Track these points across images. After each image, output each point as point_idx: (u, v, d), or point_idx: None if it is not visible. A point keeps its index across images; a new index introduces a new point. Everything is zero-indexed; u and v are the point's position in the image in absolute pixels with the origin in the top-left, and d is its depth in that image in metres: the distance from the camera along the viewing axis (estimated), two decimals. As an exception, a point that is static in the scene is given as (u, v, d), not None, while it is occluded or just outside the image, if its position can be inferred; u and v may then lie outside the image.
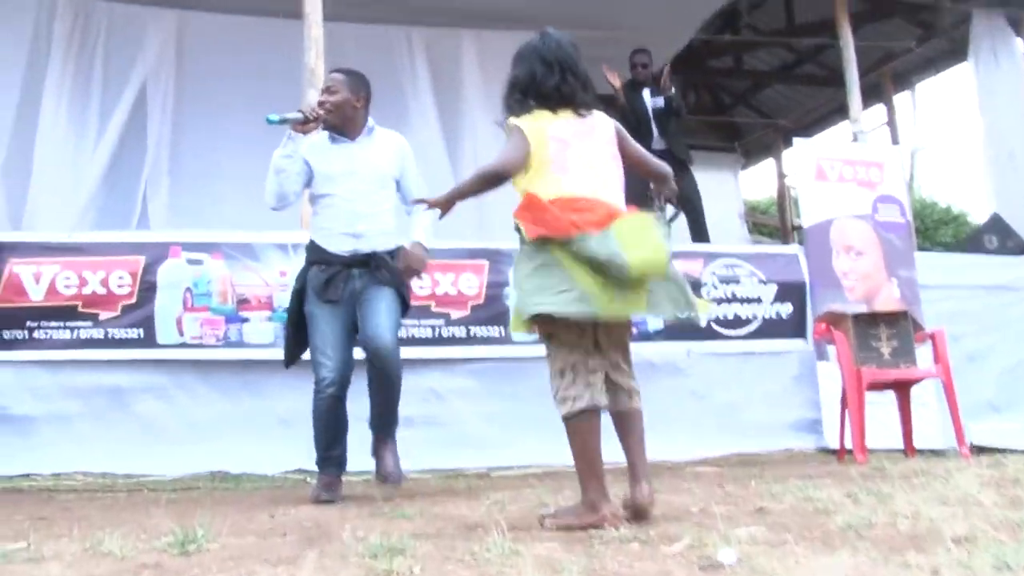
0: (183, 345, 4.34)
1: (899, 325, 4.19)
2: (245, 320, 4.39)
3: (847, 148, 5.70)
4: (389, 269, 3.30)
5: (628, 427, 2.38)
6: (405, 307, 3.41)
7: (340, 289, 3.26)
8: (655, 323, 4.95)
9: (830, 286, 5.24)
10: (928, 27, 7.28)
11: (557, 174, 2.35)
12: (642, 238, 2.24)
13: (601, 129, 2.49)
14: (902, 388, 4.26)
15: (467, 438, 4.58)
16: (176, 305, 4.33)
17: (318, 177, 3.38)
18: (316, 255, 3.35)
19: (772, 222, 11.03)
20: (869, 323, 4.19)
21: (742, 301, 5.15)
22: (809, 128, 9.47)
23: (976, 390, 5.24)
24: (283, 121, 3.24)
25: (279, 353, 4.36)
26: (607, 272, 2.18)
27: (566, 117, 2.43)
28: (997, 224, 5.98)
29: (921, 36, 7.37)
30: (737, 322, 5.12)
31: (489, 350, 4.66)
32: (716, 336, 5.08)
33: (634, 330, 2.59)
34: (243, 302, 4.40)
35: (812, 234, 5.39)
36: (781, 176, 9.82)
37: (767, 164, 10.61)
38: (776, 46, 8.17)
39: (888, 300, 5.20)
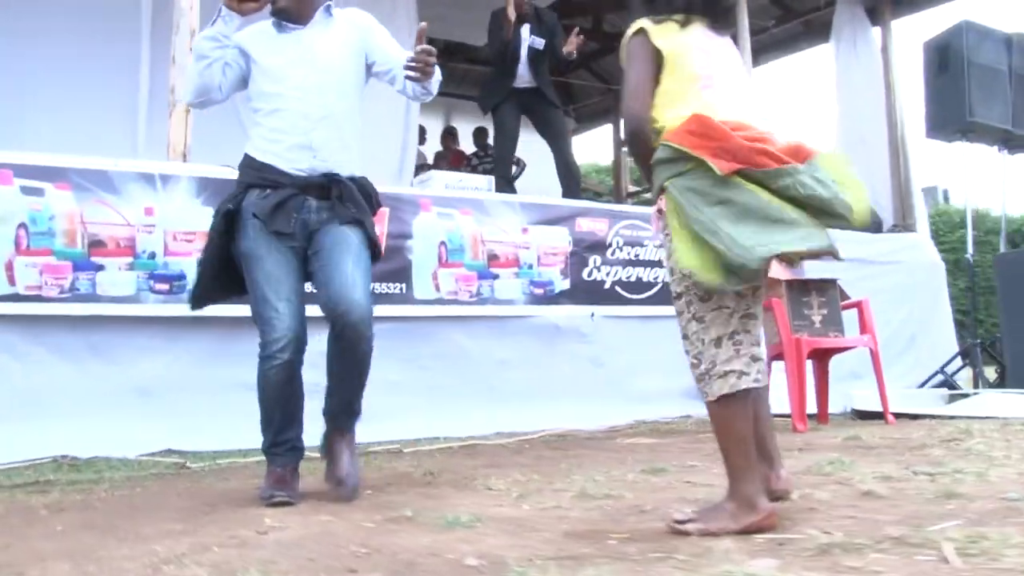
0: (15, 297, 3.44)
1: (828, 294, 4.12)
2: (99, 268, 3.56)
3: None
4: (355, 202, 2.60)
5: (760, 403, 1.98)
6: (375, 257, 2.68)
7: (292, 219, 2.53)
8: (562, 285, 4.64)
9: (724, 253, 5.15)
10: (787, 9, 7.45)
11: (706, 93, 1.91)
12: (849, 176, 1.84)
13: (734, 49, 2.08)
14: (823, 356, 4.21)
15: (368, 409, 4.01)
16: (6, 246, 3.43)
17: (260, 74, 2.62)
18: (256, 175, 2.58)
19: (599, 188, 11.08)
20: (801, 291, 4.08)
21: (645, 264, 4.96)
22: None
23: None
24: None
25: (143, 308, 3.64)
26: (828, 212, 1.78)
27: (699, 28, 2.00)
28: (858, 201, 6.17)
29: (780, 17, 7.53)
30: (640, 285, 4.92)
31: (390, 309, 4.10)
32: (619, 300, 4.85)
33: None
34: (96, 245, 3.56)
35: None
36: (619, 144, 9.82)
37: (604, 129, 10.63)
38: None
39: (776, 271, 5.18)
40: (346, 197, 2.58)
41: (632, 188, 9.90)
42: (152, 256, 3.59)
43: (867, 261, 5.84)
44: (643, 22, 1.95)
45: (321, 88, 2.61)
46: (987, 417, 4.14)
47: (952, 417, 4.32)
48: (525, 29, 5.62)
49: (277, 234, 2.51)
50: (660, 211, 1.90)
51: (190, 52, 2.61)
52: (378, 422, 3.53)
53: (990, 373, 5.67)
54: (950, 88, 5.51)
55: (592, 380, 4.65)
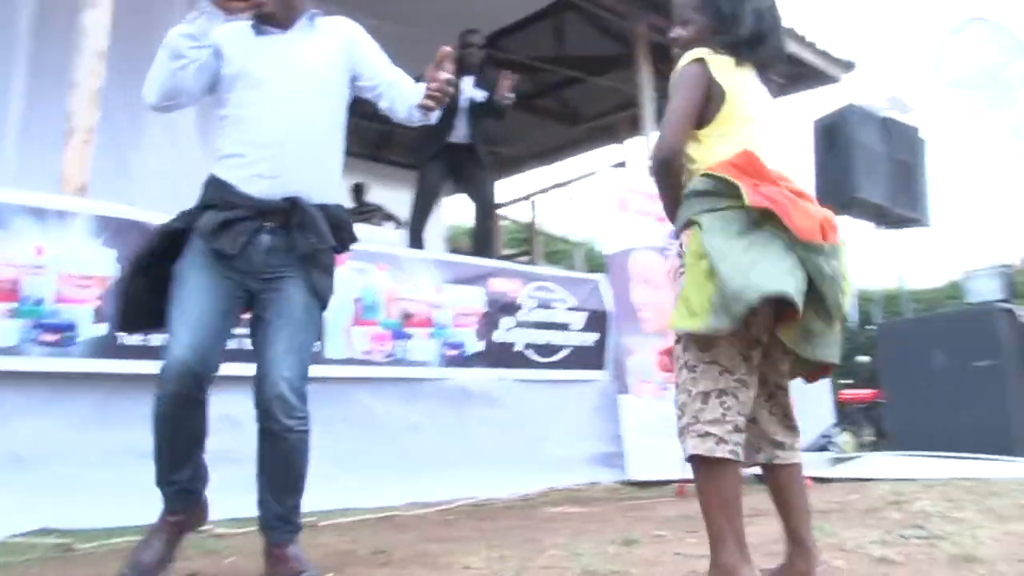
0: None
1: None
2: (-26, 313, 3.09)
3: (648, 182, 5.70)
4: (317, 233, 2.30)
5: (793, 482, 1.88)
6: (324, 306, 2.40)
7: (240, 242, 2.23)
8: (475, 347, 4.48)
9: (628, 317, 5.17)
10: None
11: (757, 138, 1.84)
12: (849, 274, 1.80)
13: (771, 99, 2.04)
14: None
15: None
16: None
17: (233, 78, 2.33)
18: (214, 193, 2.29)
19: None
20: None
21: (555, 327, 4.88)
22: (526, 162, 9.63)
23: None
24: None
25: (25, 362, 3.18)
26: (825, 306, 1.72)
27: (749, 70, 1.94)
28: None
29: (664, 90, 7.75)
30: (549, 349, 4.83)
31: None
32: (529, 363, 4.73)
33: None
34: (-28, 287, 3.09)
35: (612, 263, 5.29)
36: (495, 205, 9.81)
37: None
38: (531, 70, 8.10)
39: (679, 335, 5.24)
40: (307, 226, 2.29)
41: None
42: (39, 302, 3.15)
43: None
44: (703, 52, 1.88)
45: (299, 98, 2.35)
46: (876, 479, 4.29)
47: (848, 480, 4.46)
48: (468, 81, 5.39)
49: (219, 256, 2.21)
50: (681, 246, 1.82)
51: (165, 48, 2.26)
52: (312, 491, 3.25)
53: (868, 436, 5.95)
54: (837, 165, 5.83)
55: (503, 446, 4.49)
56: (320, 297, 2.37)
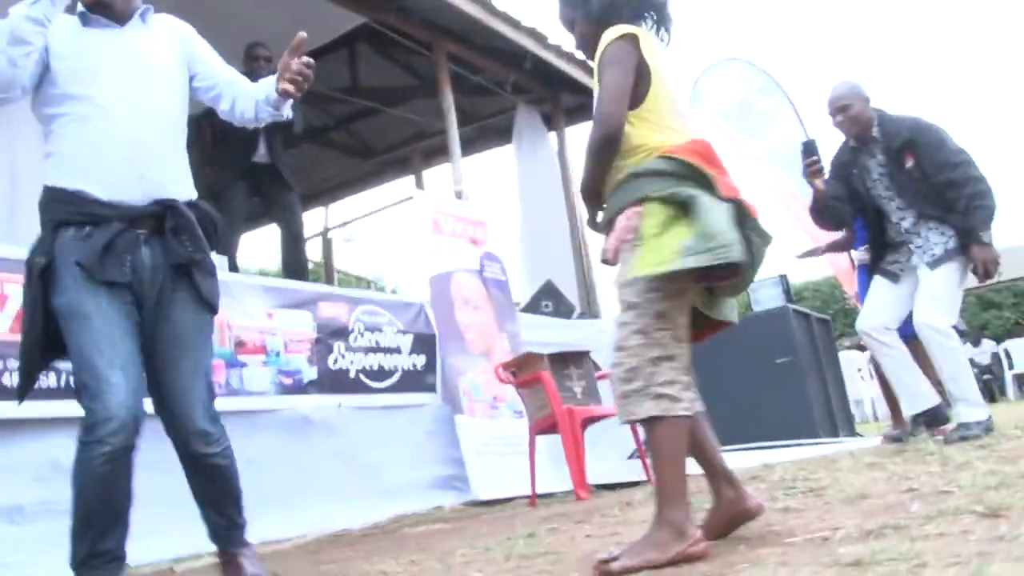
0: None
1: (584, 366, 4.31)
2: None
3: (457, 205, 5.78)
4: (193, 236, 2.16)
5: (705, 428, 1.97)
6: (214, 310, 2.27)
7: (126, 264, 2.05)
8: (310, 374, 4.30)
9: (454, 338, 5.18)
10: (467, 113, 7.91)
11: (681, 120, 1.89)
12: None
13: None
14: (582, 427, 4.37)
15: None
16: None
17: (64, 73, 2.10)
18: (69, 209, 2.04)
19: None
20: (562, 364, 4.22)
21: (385, 351, 4.78)
22: (317, 198, 9.44)
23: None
24: None
25: None
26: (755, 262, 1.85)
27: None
28: (550, 290, 6.63)
29: (461, 119, 7.94)
30: (381, 373, 4.72)
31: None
32: (364, 388, 4.60)
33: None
34: None
35: (434, 285, 5.28)
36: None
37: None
38: (323, 101, 7.94)
39: (503, 353, 5.33)
40: (180, 230, 2.14)
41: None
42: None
43: (566, 345, 6.25)
44: (631, 27, 1.94)
45: (148, 93, 2.18)
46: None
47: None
48: None
49: (107, 284, 2.01)
50: (628, 218, 1.87)
51: (1, 33, 1.99)
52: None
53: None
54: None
55: (345, 476, 4.31)
56: (209, 305, 2.24)
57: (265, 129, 5.11)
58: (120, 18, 2.22)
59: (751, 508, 1.91)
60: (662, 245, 1.79)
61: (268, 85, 2.29)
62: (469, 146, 8.29)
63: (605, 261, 2.00)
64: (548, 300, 6.62)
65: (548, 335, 6.10)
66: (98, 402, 1.94)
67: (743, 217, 1.84)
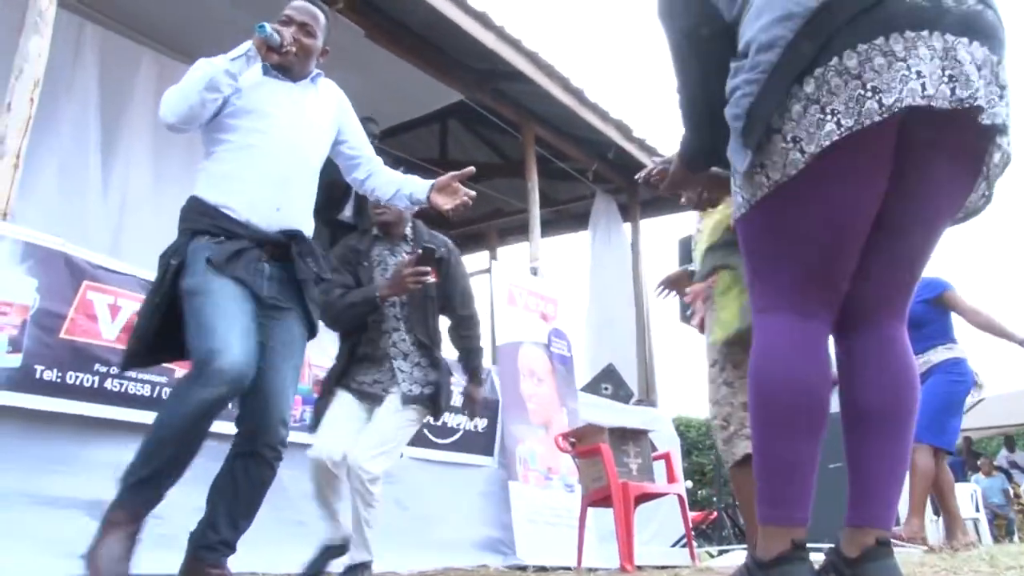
0: None
1: (642, 444, 4.39)
2: None
3: (533, 280, 5.98)
4: (316, 259, 2.44)
5: None
6: (312, 336, 2.51)
7: (250, 269, 2.29)
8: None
9: (517, 407, 5.31)
10: (546, 195, 8.21)
11: None
12: None
13: None
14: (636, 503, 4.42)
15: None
16: None
17: (242, 107, 2.40)
18: (207, 221, 2.30)
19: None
20: (621, 439, 4.31)
21: (451, 410, 4.89)
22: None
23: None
24: (264, 35, 2.35)
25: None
26: None
27: None
28: (611, 374, 6.75)
29: (541, 201, 8.24)
30: (445, 430, 4.86)
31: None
32: (427, 443, 4.73)
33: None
34: None
35: (502, 354, 5.45)
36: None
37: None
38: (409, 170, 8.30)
39: (561, 427, 5.43)
40: (306, 254, 2.42)
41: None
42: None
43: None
44: None
45: (302, 144, 2.50)
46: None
47: None
48: None
49: (232, 279, 2.24)
50: (708, 287, 2.05)
51: (198, 74, 2.34)
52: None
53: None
54: (700, 283, 6.38)
55: (398, 523, 4.41)
56: (312, 329, 2.48)
57: (356, 193, 5.45)
58: (295, 77, 2.54)
59: None
60: (727, 309, 1.96)
61: (417, 185, 2.73)
62: (546, 227, 8.53)
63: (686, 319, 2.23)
64: (608, 383, 6.72)
65: (605, 417, 6.17)
66: (216, 354, 2.08)
67: None
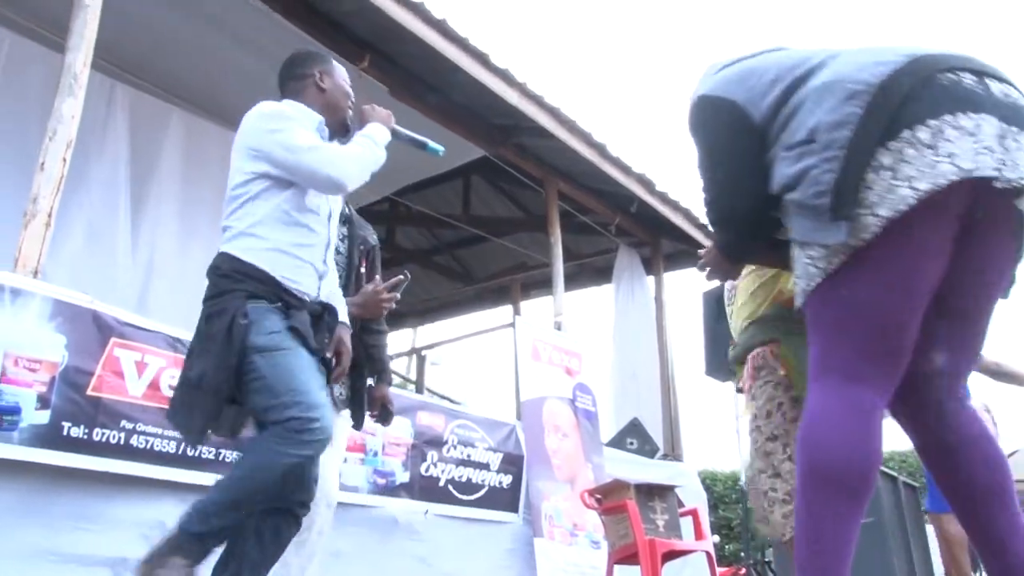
0: None
1: (669, 500, 4.31)
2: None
3: (557, 335, 5.96)
4: (331, 336, 2.48)
5: None
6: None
7: (321, 340, 2.36)
8: (403, 478, 4.42)
9: (542, 462, 5.25)
10: (569, 250, 8.22)
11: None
12: None
13: None
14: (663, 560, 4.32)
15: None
16: None
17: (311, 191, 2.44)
18: (264, 287, 2.27)
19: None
20: (648, 496, 4.23)
21: (475, 466, 4.88)
22: (421, 316, 9.79)
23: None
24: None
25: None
26: None
27: None
28: (636, 429, 6.66)
29: (564, 255, 8.24)
30: (470, 486, 4.81)
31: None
32: (451, 499, 4.68)
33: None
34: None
35: (527, 409, 5.41)
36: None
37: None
38: (430, 225, 8.38)
39: (587, 482, 5.35)
40: (327, 328, 2.44)
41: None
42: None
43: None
44: None
45: (337, 215, 2.56)
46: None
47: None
48: None
49: (313, 351, 2.29)
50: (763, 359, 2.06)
51: (377, 151, 2.50)
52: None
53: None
54: (725, 333, 6.29)
55: (422, 581, 4.36)
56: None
57: None
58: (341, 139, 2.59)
59: None
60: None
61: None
62: (569, 281, 8.52)
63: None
64: (633, 438, 6.63)
65: (630, 471, 6.09)
66: (315, 412, 2.08)
67: None
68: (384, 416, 3.01)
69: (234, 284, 2.27)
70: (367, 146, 2.44)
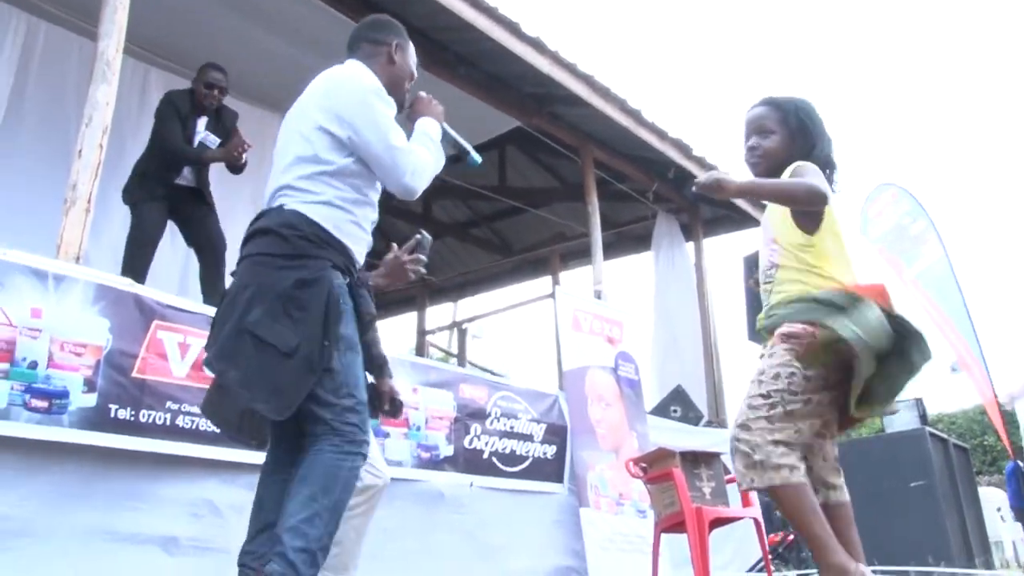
0: None
1: (715, 467, 4.27)
2: (-41, 375, 2.87)
3: (597, 304, 5.92)
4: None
5: (844, 516, 2.21)
6: None
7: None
8: (447, 451, 4.43)
9: (585, 432, 5.23)
10: (607, 218, 8.14)
11: (853, 263, 2.14)
12: None
13: None
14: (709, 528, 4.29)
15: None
16: None
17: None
18: (341, 257, 2.30)
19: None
20: (693, 463, 4.19)
21: (519, 437, 4.88)
22: (461, 290, 9.80)
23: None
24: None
25: (10, 427, 2.94)
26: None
27: None
28: (680, 396, 6.62)
29: (602, 223, 8.17)
30: (514, 458, 4.81)
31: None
32: (495, 471, 4.69)
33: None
34: (-39, 347, 2.89)
35: (569, 380, 5.39)
36: (422, 332, 9.79)
37: (407, 317, 10.56)
38: (466, 198, 8.35)
39: (631, 451, 5.32)
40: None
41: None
42: (34, 365, 2.97)
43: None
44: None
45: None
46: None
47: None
48: (202, 122, 4.72)
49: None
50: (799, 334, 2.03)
51: (434, 147, 2.50)
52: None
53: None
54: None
55: (468, 552, 4.38)
56: None
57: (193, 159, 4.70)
58: None
59: None
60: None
61: None
62: (608, 250, 8.45)
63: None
64: (677, 405, 6.59)
65: (674, 439, 6.05)
66: (367, 422, 2.22)
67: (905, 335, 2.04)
68: (394, 409, 3.00)
69: (318, 250, 2.24)
70: (434, 152, 2.44)
